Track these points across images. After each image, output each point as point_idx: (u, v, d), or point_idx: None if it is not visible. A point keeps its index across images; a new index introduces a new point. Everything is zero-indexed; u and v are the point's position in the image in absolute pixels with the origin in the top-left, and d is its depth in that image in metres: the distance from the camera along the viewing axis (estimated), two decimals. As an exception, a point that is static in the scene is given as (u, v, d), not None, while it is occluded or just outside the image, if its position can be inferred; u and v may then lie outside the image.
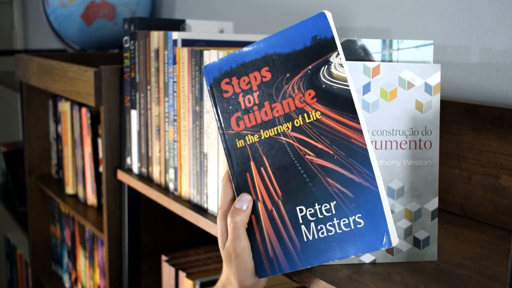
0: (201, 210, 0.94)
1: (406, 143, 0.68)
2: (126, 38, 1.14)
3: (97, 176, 1.46)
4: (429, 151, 0.68)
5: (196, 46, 1.01)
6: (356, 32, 1.12)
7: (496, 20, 0.89)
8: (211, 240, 1.30)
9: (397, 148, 0.67)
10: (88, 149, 1.47)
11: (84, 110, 1.47)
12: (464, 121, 0.86)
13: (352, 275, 0.65)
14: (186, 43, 1.00)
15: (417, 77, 0.67)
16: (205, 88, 0.91)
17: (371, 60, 0.68)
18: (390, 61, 0.68)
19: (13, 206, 2.19)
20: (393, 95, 0.67)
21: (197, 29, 1.25)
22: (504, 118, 0.81)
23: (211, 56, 0.89)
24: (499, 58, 0.88)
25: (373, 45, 0.68)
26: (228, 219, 0.65)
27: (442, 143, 0.88)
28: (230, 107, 0.66)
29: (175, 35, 1.00)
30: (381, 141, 0.67)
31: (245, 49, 0.65)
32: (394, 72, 0.67)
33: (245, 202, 0.65)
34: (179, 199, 1.00)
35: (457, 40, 0.94)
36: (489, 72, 0.90)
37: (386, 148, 0.67)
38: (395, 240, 0.59)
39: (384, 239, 0.59)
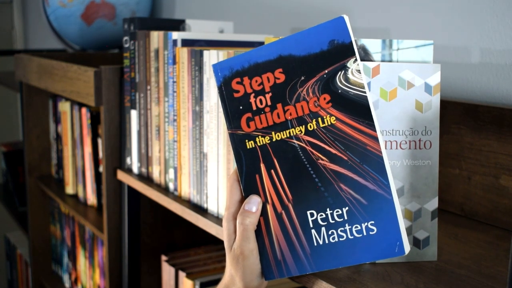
0: (200, 210, 0.94)
1: (406, 143, 0.67)
2: (126, 38, 1.14)
3: (97, 176, 1.46)
4: (429, 151, 0.68)
5: (196, 46, 1.01)
6: (356, 32, 1.12)
7: (496, 20, 0.88)
8: (211, 240, 1.30)
9: (397, 148, 0.67)
10: (88, 149, 1.47)
11: (84, 110, 1.47)
12: (464, 121, 0.86)
13: (352, 275, 0.65)
14: (186, 43, 1.00)
15: (417, 77, 0.67)
16: (205, 88, 0.91)
17: (371, 60, 0.68)
18: (390, 61, 0.68)
19: (13, 206, 2.19)
20: (393, 95, 0.67)
21: (197, 29, 1.25)
22: (504, 118, 0.81)
23: (211, 56, 0.89)
24: (499, 58, 0.88)
25: (373, 45, 0.68)
26: (238, 221, 0.65)
27: (442, 143, 0.88)
28: (241, 107, 0.65)
29: (175, 35, 1.00)
30: (381, 141, 0.67)
31: (258, 49, 0.64)
32: (394, 72, 0.67)
33: (254, 204, 0.64)
34: (179, 199, 1.00)
35: (457, 40, 0.94)
36: (489, 72, 0.90)
37: (386, 148, 0.67)
38: (407, 248, 0.59)
39: (397, 246, 0.59)
